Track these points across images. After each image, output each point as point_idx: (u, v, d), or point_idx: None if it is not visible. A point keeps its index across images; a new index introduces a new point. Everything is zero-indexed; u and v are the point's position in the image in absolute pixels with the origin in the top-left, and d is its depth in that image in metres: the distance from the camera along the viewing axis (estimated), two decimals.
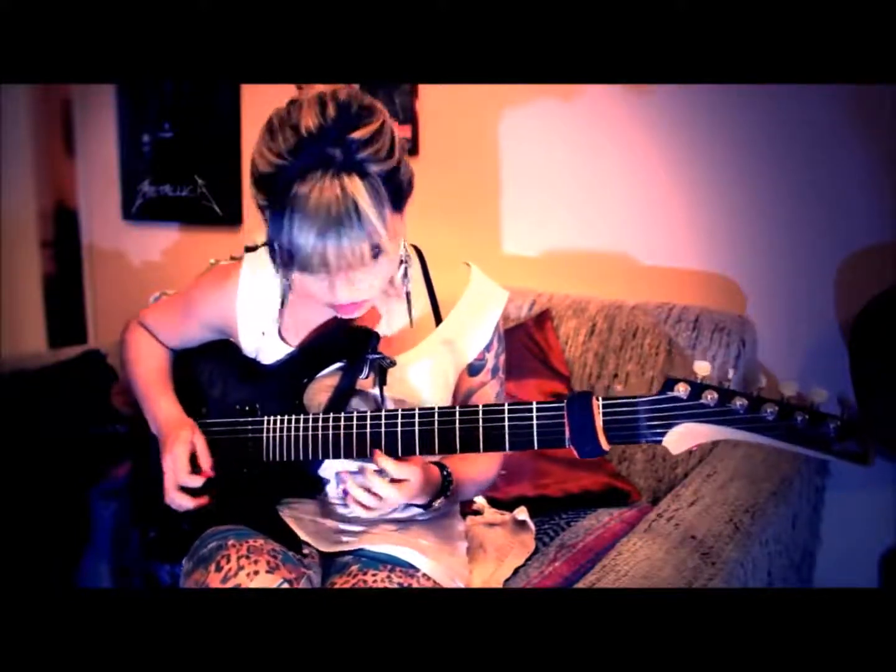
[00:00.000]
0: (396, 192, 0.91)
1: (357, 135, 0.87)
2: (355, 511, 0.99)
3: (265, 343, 1.09)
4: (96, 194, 2.86)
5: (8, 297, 2.67)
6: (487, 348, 1.11)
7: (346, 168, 0.86)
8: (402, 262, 1.03)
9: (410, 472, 0.96)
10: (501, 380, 1.15)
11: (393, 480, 0.96)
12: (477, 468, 1.12)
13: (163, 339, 1.22)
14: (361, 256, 0.88)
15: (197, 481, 1.04)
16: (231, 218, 2.46)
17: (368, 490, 0.95)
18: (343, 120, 0.87)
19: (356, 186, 0.86)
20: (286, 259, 0.90)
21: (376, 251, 0.90)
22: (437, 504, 1.04)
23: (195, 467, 1.05)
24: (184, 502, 1.04)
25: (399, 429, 0.95)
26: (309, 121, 0.87)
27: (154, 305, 1.28)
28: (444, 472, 1.03)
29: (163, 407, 1.13)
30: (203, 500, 1.05)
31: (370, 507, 0.96)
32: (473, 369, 1.12)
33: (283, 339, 1.09)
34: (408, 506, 1.13)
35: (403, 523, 1.13)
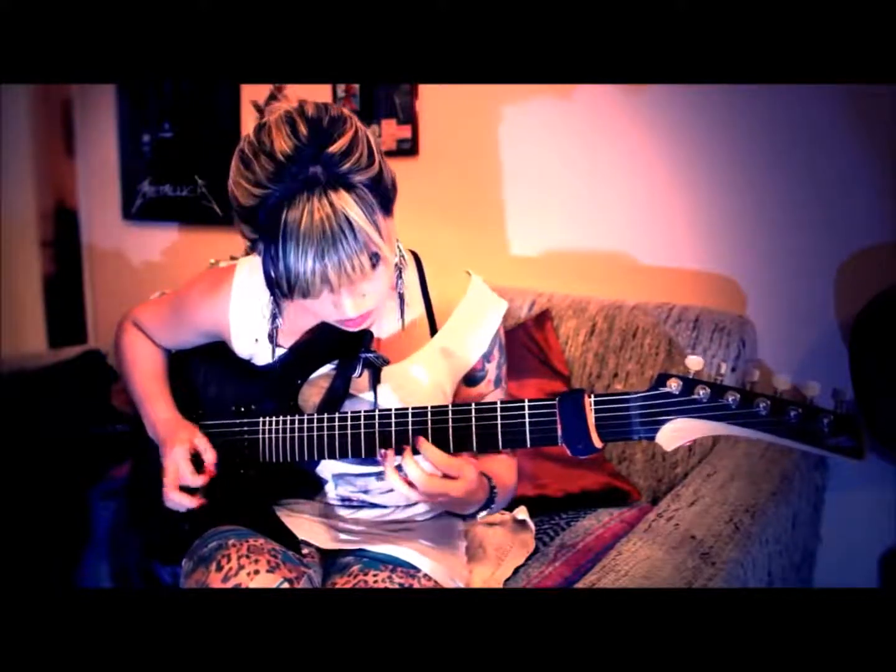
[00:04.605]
0: (384, 196, 0.90)
1: (334, 148, 0.85)
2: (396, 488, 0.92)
3: (259, 349, 1.09)
4: (96, 194, 2.86)
5: (8, 297, 2.67)
6: (487, 358, 1.09)
7: (331, 184, 0.84)
8: (396, 265, 1.03)
9: (462, 467, 0.90)
10: (504, 389, 1.14)
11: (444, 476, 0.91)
12: (509, 475, 1.08)
13: (157, 341, 1.22)
14: (362, 269, 0.87)
15: (200, 480, 1.04)
16: (231, 218, 2.45)
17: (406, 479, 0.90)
18: (317, 136, 0.85)
19: (345, 201, 0.84)
20: (286, 289, 0.88)
21: (375, 260, 0.89)
22: (481, 516, 1.01)
23: (197, 467, 1.05)
24: (185, 501, 1.04)
25: (393, 428, 0.95)
26: (283, 144, 0.85)
27: (147, 304, 1.25)
28: (492, 484, 0.99)
29: (160, 411, 1.13)
30: (203, 500, 1.05)
31: (410, 496, 0.91)
32: (472, 380, 1.10)
33: (277, 344, 1.08)
34: (449, 513, 1.15)
35: (403, 524, 1.13)
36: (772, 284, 1.65)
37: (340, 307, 0.91)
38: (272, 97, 0.97)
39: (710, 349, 1.52)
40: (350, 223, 0.84)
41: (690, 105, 1.69)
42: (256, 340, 1.09)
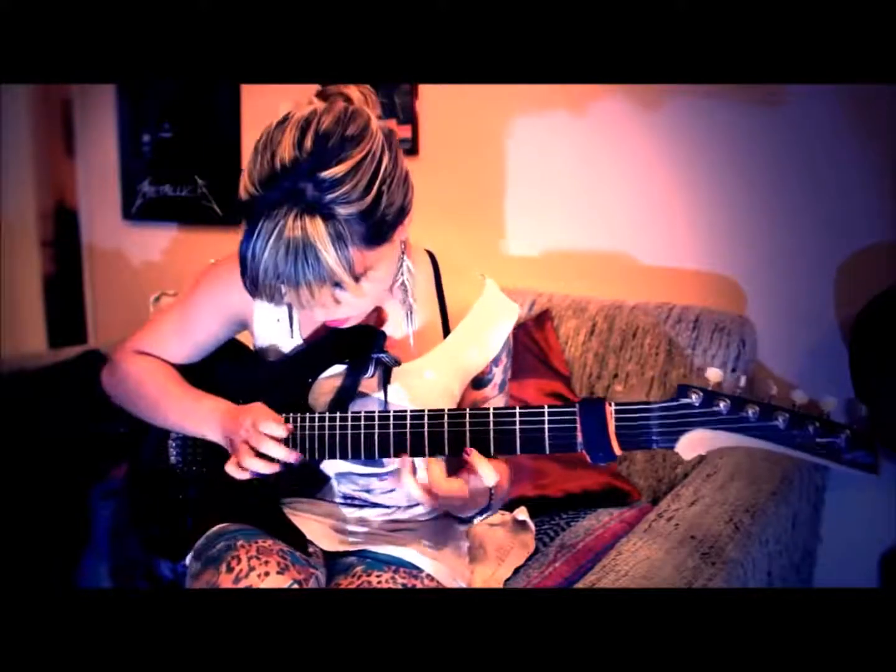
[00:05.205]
0: (375, 227, 0.87)
1: (328, 174, 0.83)
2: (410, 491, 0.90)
3: (278, 333, 1.08)
4: (96, 194, 2.86)
5: (8, 297, 2.67)
6: (496, 362, 1.09)
7: (311, 209, 0.83)
8: (394, 281, 1.00)
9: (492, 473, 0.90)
10: (507, 394, 1.14)
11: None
12: (503, 480, 1.07)
13: (169, 356, 1.14)
14: (321, 295, 0.87)
15: (284, 431, 0.96)
16: (231, 218, 2.46)
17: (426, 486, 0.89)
18: (319, 154, 0.84)
19: (317, 230, 0.83)
20: (251, 289, 0.89)
21: (340, 287, 0.88)
22: (478, 520, 1.01)
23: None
24: (261, 468, 0.96)
25: (408, 430, 0.93)
26: (285, 152, 0.84)
27: (144, 329, 1.17)
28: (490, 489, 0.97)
29: (210, 403, 1.06)
30: (277, 467, 0.97)
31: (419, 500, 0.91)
32: (479, 383, 1.10)
33: (296, 329, 1.07)
34: (450, 516, 1.14)
35: (406, 524, 1.13)
36: (772, 284, 1.65)
37: (312, 312, 0.92)
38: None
39: (710, 349, 1.52)
40: (316, 255, 0.83)
41: (690, 105, 1.69)
42: (278, 320, 1.08)
